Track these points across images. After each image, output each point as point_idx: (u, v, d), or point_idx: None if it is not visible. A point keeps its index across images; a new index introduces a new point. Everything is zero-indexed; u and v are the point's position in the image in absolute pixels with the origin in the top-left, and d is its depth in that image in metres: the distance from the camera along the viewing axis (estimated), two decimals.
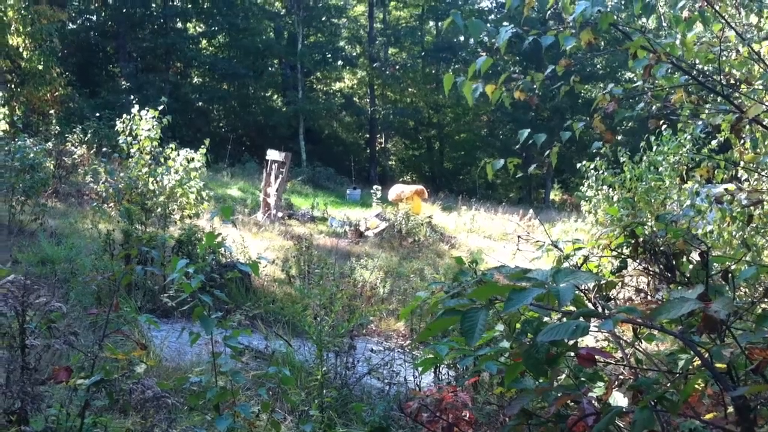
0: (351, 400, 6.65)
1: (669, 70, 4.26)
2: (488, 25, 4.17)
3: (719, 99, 4.73)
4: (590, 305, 3.48)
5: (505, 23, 4.16)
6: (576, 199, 18.34)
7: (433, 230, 20.77)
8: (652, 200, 11.67)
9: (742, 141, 6.03)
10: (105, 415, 4.71)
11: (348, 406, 6.49)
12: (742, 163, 6.15)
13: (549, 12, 4.51)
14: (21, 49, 26.12)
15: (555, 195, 45.48)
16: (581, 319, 2.53)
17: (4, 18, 25.32)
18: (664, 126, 10.30)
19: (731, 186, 4.83)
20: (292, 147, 37.84)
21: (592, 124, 4.47)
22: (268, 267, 13.40)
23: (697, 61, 4.88)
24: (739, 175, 7.04)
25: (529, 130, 4.48)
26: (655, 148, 12.22)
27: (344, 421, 6.27)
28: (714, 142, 9.85)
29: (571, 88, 5.05)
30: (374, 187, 23.46)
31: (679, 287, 3.65)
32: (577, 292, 3.01)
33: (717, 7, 4.47)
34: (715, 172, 6.67)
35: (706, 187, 9.10)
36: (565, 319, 2.59)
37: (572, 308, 2.75)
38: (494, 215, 25.86)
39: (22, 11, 25.63)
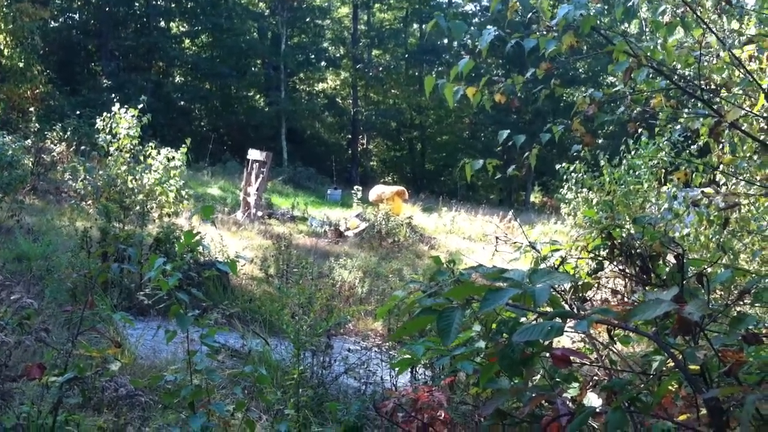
0: (327, 399, 6.63)
1: (649, 75, 4.28)
2: (472, 28, 4.17)
3: (699, 103, 4.75)
4: (566, 306, 3.48)
5: (488, 26, 4.16)
6: (556, 202, 18.42)
7: (413, 231, 20.77)
8: (631, 203, 11.74)
9: (720, 145, 6.07)
10: (78, 413, 4.67)
11: (324, 405, 6.46)
12: (720, 167, 6.19)
13: (531, 16, 4.52)
14: (2, 47, 25.99)
15: (535, 197, 45.65)
16: (557, 319, 2.53)
17: None
18: (642, 130, 10.38)
19: (709, 189, 4.86)
20: (274, 147, 37.76)
21: (572, 127, 4.48)
22: (246, 266, 13.36)
23: (678, 66, 4.90)
24: (716, 179, 7.09)
25: (509, 131, 4.48)
26: (633, 151, 12.29)
27: (320, 420, 6.24)
28: (693, 147, 9.92)
29: (552, 91, 5.06)
30: (355, 187, 23.45)
31: (655, 289, 3.66)
32: (553, 293, 3.02)
33: (698, 13, 4.49)
34: (693, 175, 6.71)
35: (683, 191, 9.17)
36: (540, 320, 2.59)
37: (549, 309, 2.75)
38: (474, 217, 25.92)
39: (4, 8, 25.48)
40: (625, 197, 11.89)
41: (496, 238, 4.49)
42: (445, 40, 48.85)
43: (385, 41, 50.10)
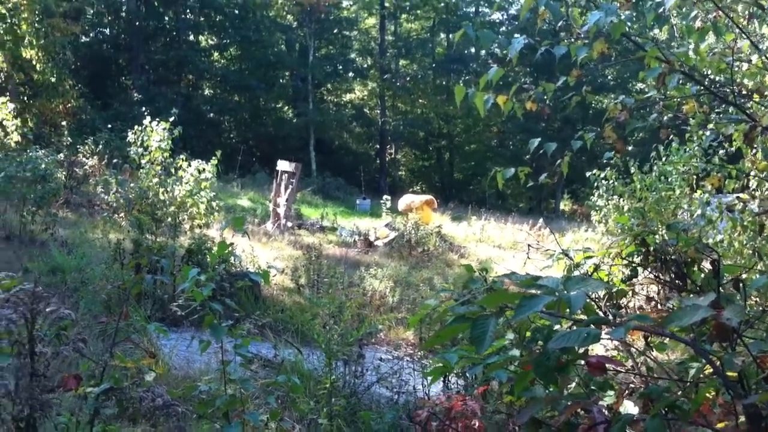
0: (359, 408, 6.63)
1: (680, 81, 4.25)
2: (499, 36, 4.17)
3: (730, 109, 4.71)
4: (601, 314, 3.46)
5: (516, 35, 4.16)
6: (586, 209, 18.31)
7: (443, 240, 20.74)
8: (663, 210, 11.64)
9: (753, 150, 6.01)
10: (114, 424, 4.71)
11: (356, 414, 6.47)
12: (753, 173, 6.12)
13: (561, 24, 4.51)
14: (34, 62, 26.33)
15: (565, 205, 45.39)
16: (592, 326, 2.52)
17: (18, 31, 25.54)
18: (673, 135, 10.29)
19: (744, 195, 4.80)
20: (303, 158, 37.89)
21: (603, 133, 4.46)
22: (277, 276, 13.41)
23: (709, 72, 4.87)
24: (749, 185, 7.01)
25: (539, 139, 4.47)
26: (664, 158, 12.20)
27: (352, 430, 6.25)
28: (721, 152, 9.82)
29: (582, 98, 5.04)
30: (384, 197, 23.46)
31: (691, 296, 3.63)
32: (587, 300, 3.00)
33: (731, 17, 4.45)
34: (726, 181, 6.64)
35: (716, 197, 9.08)
36: (575, 327, 2.58)
37: (582, 317, 2.73)
38: (504, 225, 25.80)
39: (36, 24, 25.85)
40: (657, 204, 11.80)
41: (528, 245, 4.45)
42: (473, 49, 48.82)
43: (413, 51, 50.18)
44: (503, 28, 47.72)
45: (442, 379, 6.85)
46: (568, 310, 2.58)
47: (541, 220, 24.05)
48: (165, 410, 3.95)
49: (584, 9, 4.47)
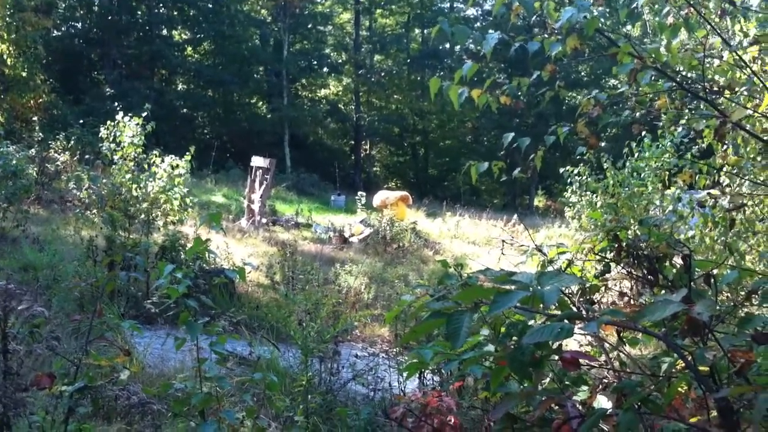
0: (335, 405, 6.63)
1: (653, 77, 4.29)
2: (474, 32, 4.18)
3: (702, 105, 4.76)
4: (574, 309, 3.49)
5: (490, 31, 4.16)
6: (560, 205, 18.40)
7: (418, 236, 20.77)
8: (635, 205, 11.72)
9: (724, 146, 6.08)
10: (88, 422, 4.68)
11: (332, 411, 6.47)
12: (725, 168, 6.19)
13: (534, 19, 4.53)
14: (5, 56, 26.05)
15: (539, 201, 45.63)
16: (566, 321, 2.54)
17: None
18: (645, 132, 10.37)
19: (714, 191, 4.86)
20: (277, 154, 37.76)
21: (576, 129, 4.49)
22: (252, 273, 13.36)
23: (681, 68, 4.91)
24: (720, 181, 7.09)
25: (513, 134, 4.49)
26: (637, 154, 12.28)
27: (329, 427, 6.25)
28: (695, 149, 9.91)
29: (555, 94, 5.08)
30: (359, 193, 23.45)
31: (663, 291, 3.66)
32: (561, 295, 3.02)
33: (702, 13, 4.50)
34: (697, 178, 6.71)
35: (688, 193, 9.17)
36: (549, 322, 2.60)
37: (556, 312, 2.76)
38: (479, 221, 25.89)
39: (7, 18, 25.56)
40: (629, 200, 11.88)
41: (503, 241, 4.48)
42: (447, 45, 48.91)
43: (387, 47, 50.19)
44: (478, 24, 47.83)
45: (417, 375, 6.87)
46: (542, 305, 2.61)
47: (515, 216, 24.16)
48: (140, 408, 3.93)
49: (559, 4, 4.49)
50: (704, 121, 4.85)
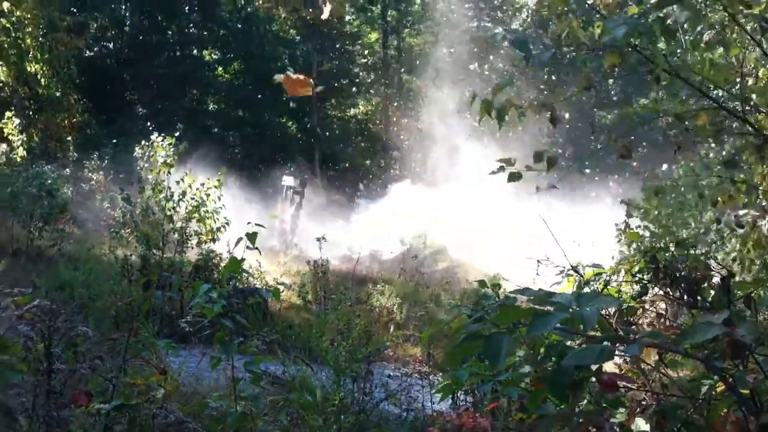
0: (368, 426, 6.62)
1: (689, 94, 4.27)
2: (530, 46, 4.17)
3: (738, 123, 4.72)
4: (612, 331, 3.46)
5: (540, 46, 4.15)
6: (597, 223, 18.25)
7: (450, 256, 20.71)
8: (674, 226, 11.61)
9: (764, 165, 6.00)
10: None
11: (366, 431, 6.45)
12: (762, 187, 6.12)
13: (565, 36, 4.51)
14: (39, 76, 26.38)
15: (570, 221, 45.25)
16: (606, 343, 2.53)
17: (23, 45, 25.61)
18: (678, 151, 10.26)
19: (754, 212, 4.80)
20: (308, 173, 37.88)
21: (610, 142, 4.47)
22: (284, 292, 13.40)
23: (712, 86, 4.87)
24: (760, 202, 7.00)
25: (545, 150, 4.47)
26: (675, 174, 12.17)
27: None
28: (730, 168, 9.79)
29: (587, 110, 5.06)
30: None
31: (701, 313, 3.63)
32: (600, 316, 3.00)
33: (740, 30, 4.47)
34: (733, 198, 6.63)
35: (726, 213, 9.06)
36: (587, 344, 2.58)
37: (595, 334, 2.74)
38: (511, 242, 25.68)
39: (40, 38, 25.93)
40: (666, 220, 11.77)
41: (537, 261, 4.46)
42: (476, 64, 48.87)
43: (415, 66, 50.25)
44: (505, 44, 47.74)
45: (450, 396, 6.84)
46: (581, 326, 2.59)
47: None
48: (178, 427, 3.95)
49: (586, 23, 4.48)
50: (743, 139, 4.81)
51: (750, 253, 7.03)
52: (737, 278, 5.44)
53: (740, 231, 6.13)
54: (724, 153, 8.89)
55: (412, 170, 53.32)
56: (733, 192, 5.71)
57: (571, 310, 2.53)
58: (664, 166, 12.15)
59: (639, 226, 12.43)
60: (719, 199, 5.63)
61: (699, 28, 4.45)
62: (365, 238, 23.83)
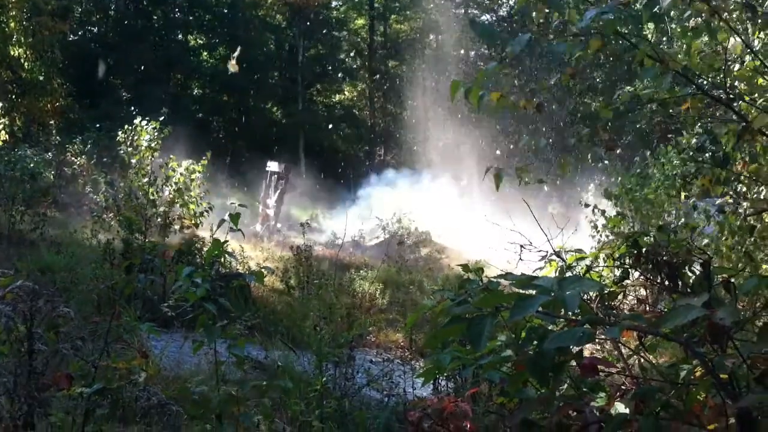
0: (350, 411, 6.63)
1: (673, 80, 4.27)
2: (501, 34, 4.18)
3: (722, 110, 4.75)
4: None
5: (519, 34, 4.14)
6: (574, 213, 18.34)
7: (432, 241, 20.76)
8: (648, 213, 11.66)
9: (743, 154, 6.04)
10: (106, 424, 4.69)
11: (347, 417, 6.47)
12: (743, 176, 6.16)
13: (557, 23, 4.51)
14: (22, 60, 26.18)
15: (553, 209, 45.39)
16: (587, 326, 2.54)
17: (6, 29, 25.39)
18: (668, 136, 10.31)
19: (728, 199, 4.82)
20: (292, 159, 37.83)
21: (596, 131, 4.48)
22: (267, 277, 13.38)
23: (699, 73, 4.89)
24: (738, 189, 7.05)
25: (528, 137, 4.49)
26: (651, 160, 12.24)
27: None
28: (707, 156, 9.86)
29: (578, 95, 5.07)
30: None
31: (682, 297, 3.65)
32: (581, 300, 3.01)
33: (725, 18, 4.47)
34: (713, 186, 6.67)
35: (703, 201, 9.13)
36: (568, 327, 2.60)
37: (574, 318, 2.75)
38: (493, 227, 25.72)
39: (24, 22, 25.70)
40: (641, 207, 11.81)
41: (521, 246, 4.48)
42: (462, 51, 48.87)
43: (402, 52, 50.20)
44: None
45: (431, 382, 6.87)
46: (563, 310, 2.61)
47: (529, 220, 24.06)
48: (160, 409, 3.95)
49: (580, 7, 4.47)
50: (725, 126, 4.83)
51: (727, 241, 7.08)
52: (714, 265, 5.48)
53: (718, 218, 6.17)
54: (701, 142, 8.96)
55: (397, 156, 53.49)
56: (711, 179, 5.74)
57: (553, 293, 2.54)
58: (648, 153, 12.20)
59: (619, 214, 12.48)
60: (700, 183, 5.66)
61: (686, 14, 4.46)
62: (349, 224, 23.86)
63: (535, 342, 2.77)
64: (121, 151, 14.00)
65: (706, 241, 7.74)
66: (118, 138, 14.41)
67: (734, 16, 4.98)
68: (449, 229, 24.60)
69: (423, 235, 20.22)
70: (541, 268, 4.60)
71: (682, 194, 10.51)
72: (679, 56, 4.31)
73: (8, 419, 3.81)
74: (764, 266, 7.67)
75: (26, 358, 3.77)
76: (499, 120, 39.38)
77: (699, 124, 5.61)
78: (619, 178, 12.89)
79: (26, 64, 26.34)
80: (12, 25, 25.47)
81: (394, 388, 7.37)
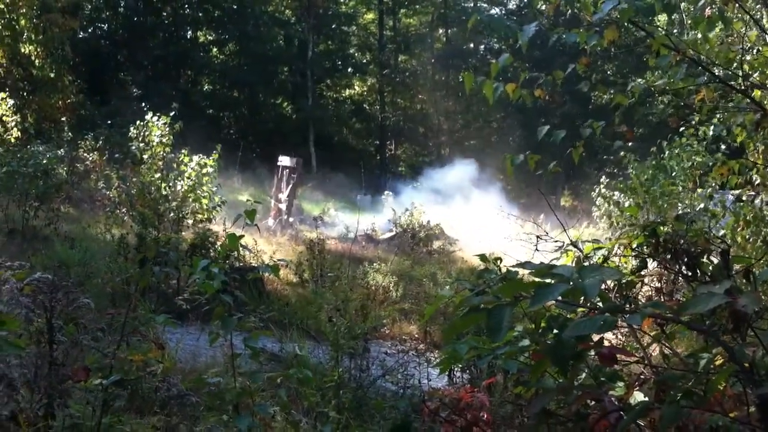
0: (366, 401, 6.65)
1: (687, 70, 4.25)
2: (510, 24, 4.16)
3: (737, 99, 4.72)
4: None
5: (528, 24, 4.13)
6: (587, 205, 18.31)
7: (445, 235, 20.75)
8: (664, 204, 11.62)
9: (758, 143, 6.01)
10: (123, 415, 4.72)
11: (363, 408, 6.48)
12: (758, 165, 6.13)
13: (566, 17, 4.50)
14: (33, 57, 26.29)
15: (566, 201, 45.29)
16: (607, 314, 2.53)
17: (17, 26, 25.48)
18: (683, 127, 10.26)
19: (746, 189, 4.80)
20: (303, 153, 37.84)
21: (614, 121, 4.47)
22: (281, 270, 13.41)
23: (716, 62, 4.86)
24: (753, 180, 7.01)
25: (548, 126, 4.48)
26: (667, 152, 12.19)
27: (359, 423, 6.26)
28: (723, 147, 9.82)
29: (581, 93, 5.06)
30: (385, 192, 23.46)
31: (701, 285, 3.63)
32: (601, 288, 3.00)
33: (741, 6, 4.45)
34: (728, 177, 6.64)
35: (719, 193, 9.08)
36: (588, 316, 2.59)
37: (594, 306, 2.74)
38: (506, 219, 25.69)
39: (34, 20, 25.79)
40: (658, 198, 11.78)
41: (537, 237, 4.46)
42: (471, 45, 48.79)
43: (411, 46, 50.15)
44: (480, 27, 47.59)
45: (447, 373, 6.88)
46: (582, 298, 2.59)
47: (542, 215, 24.05)
48: (179, 400, 3.96)
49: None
50: (742, 114, 4.80)
51: (744, 231, 7.05)
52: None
53: (738, 205, 6.14)
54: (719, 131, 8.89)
55: (408, 150, 53.48)
56: (727, 170, 5.72)
57: (572, 282, 2.53)
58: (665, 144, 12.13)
59: (629, 205, 12.45)
60: (716, 174, 5.63)
61: (700, 3, 4.43)
62: (362, 218, 23.89)
63: (555, 331, 2.76)
64: (133, 147, 14.03)
65: (722, 231, 7.72)
66: (129, 134, 14.44)
67: (748, 4, 4.95)
68: (461, 222, 24.60)
69: (436, 228, 20.20)
70: (557, 259, 4.59)
71: (701, 188, 10.47)
72: (699, 44, 4.29)
73: (29, 410, 3.83)
74: None
75: (47, 350, 3.79)
76: (509, 115, 39.32)
77: (717, 114, 5.56)
78: (633, 171, 12.84)
79: (37, 61, 26.44)
80: (22, 22, 25.57)
81: (409, 379, 7.38)
